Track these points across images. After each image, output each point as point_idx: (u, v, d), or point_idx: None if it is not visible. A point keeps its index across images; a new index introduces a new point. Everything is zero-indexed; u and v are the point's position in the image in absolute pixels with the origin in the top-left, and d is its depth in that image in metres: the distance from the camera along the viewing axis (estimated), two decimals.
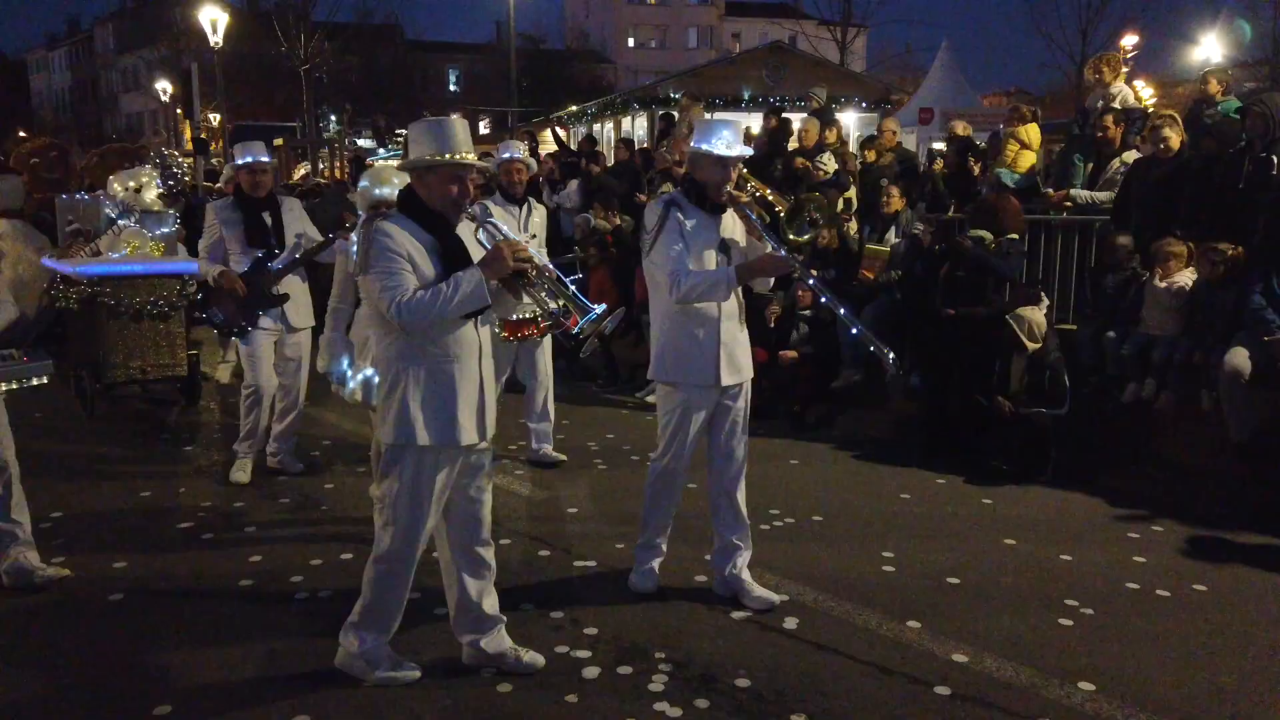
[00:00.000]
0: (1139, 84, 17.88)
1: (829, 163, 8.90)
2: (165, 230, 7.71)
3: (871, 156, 9.45)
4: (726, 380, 3.94)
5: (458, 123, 3.22)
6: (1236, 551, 4.73)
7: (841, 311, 4.27)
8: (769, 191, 4.14)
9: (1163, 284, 5.91)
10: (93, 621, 3.95)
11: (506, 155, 5.94)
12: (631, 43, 54.75)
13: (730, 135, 3.85)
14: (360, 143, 29.90)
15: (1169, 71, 30.60)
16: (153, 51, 44.15)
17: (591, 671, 3.51)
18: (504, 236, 3.25)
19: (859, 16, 31.58)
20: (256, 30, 31.60)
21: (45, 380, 3.65)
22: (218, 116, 26.40)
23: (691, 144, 3.93)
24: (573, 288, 3.26)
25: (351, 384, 4.54)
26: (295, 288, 5.68)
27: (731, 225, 3.99)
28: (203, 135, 24.40)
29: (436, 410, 3.16)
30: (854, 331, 4.72)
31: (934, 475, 5.92)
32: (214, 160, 22.14)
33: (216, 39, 20.98)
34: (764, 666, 3.55)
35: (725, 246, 3.96)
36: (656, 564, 4.21)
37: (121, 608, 4.07)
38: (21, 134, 37.03)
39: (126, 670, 3.54)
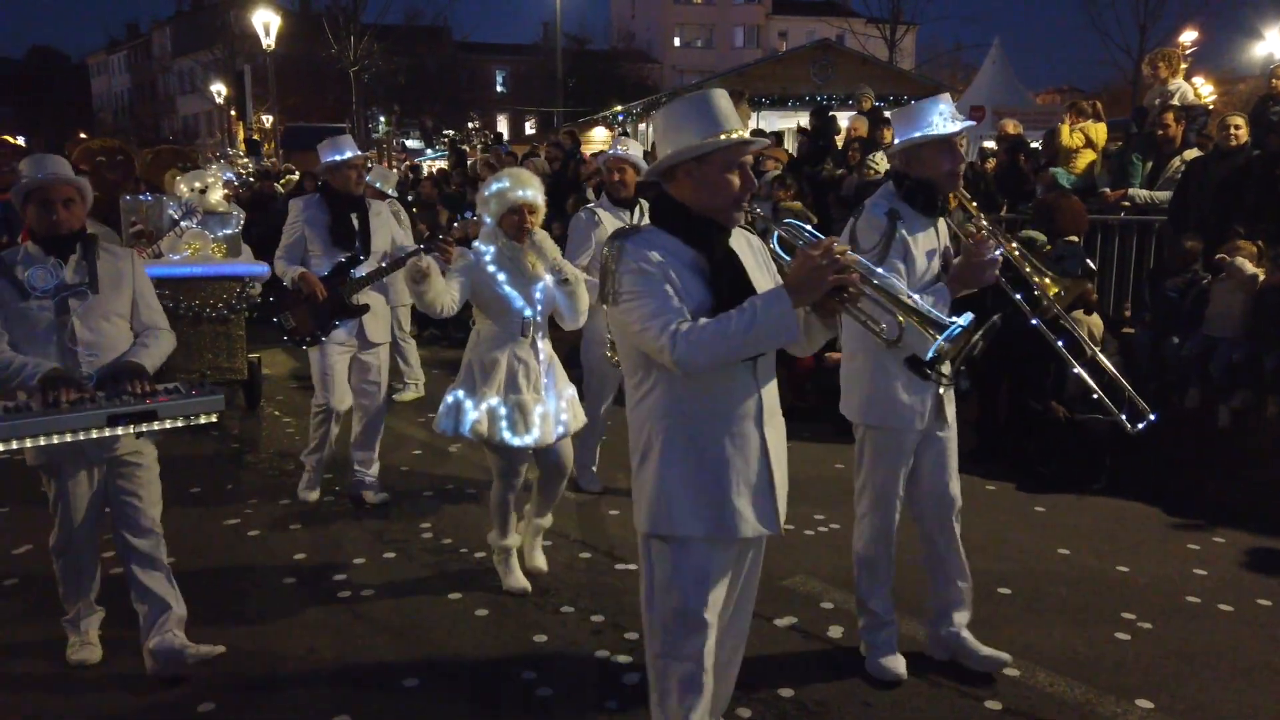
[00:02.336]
0: (1198, 81, 17.41)
1: (880, 162, 8.77)
2: (229, 231, 7.65)
3: None
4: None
5: (720, 93, 2.42)
6: None
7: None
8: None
9: (1235, 265, 5.65)
10: (138, 617, 3.99)
11: (613, 152, 5.36)
12: (678, 42, 54.68)
13: (946, 108, 3.22)
14: (408, 144, 30.25)
15: (1230, 68, 29.79)
16: (208, 54, 45.06)
17: (632, 677, 3.47)
18: (810, 238, 2.44)
19: (908, 14, 31.15)
20: (308, 32, 32.08)
21: (215, 418, 3.27)
22: (270, 118, 26.89)
23: (896, 139, 3.35)
24: (915, 297, 2.48)
25: (475, 414, 3.95)
26: (374, 299, 5.18)
27: (944, 227, 3.42)
28: (255, 136, 24.90)
29: (704, 489, 2.40)
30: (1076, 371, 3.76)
31: (984, 481, 5.78)
32: (268, 160, 22.54)
33: (269, 41, 21.39)
34: (808, 676, 3.48)
35: (945, 253, 3.37)
36: (894, 638, 3.53)
37: None
38: (83, 135, 38.06)
39: None
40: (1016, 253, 3.43)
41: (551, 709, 3.30)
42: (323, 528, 5.01)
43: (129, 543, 3.48)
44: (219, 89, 37.67)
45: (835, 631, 3.82)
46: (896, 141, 3.33)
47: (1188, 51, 24.20)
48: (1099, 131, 8.00)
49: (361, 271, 5.07)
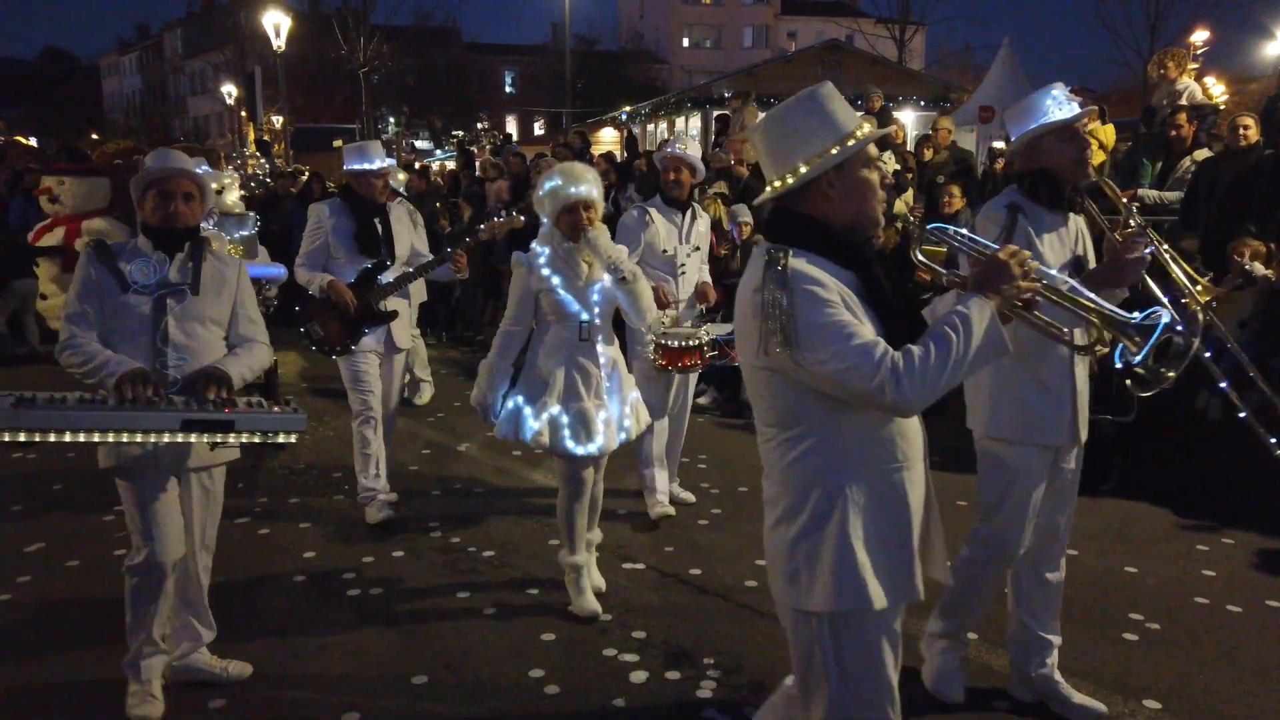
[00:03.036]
0: (1210, 80, 17.32)
1: (889, 162, 8.78)
2: (245, 232, 7.53)
3: (929, 155, 9.30)
4: (1082, 436, 3.12)
5: (829, 90, 2.18)
6: None
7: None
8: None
9: (1246, 267, 5.64)
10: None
11: (672, 150, 5.13)
12: (686, 43, 54.67)
13: (1060, 93, 3.02)
14: (417, 144, 30.30)
15: (1242, 67, 29.61)
16: (219, 55, 45.29)
17: (639, 676, 3.48)
18: (972, 242, 2.28)
19: (917, 14, 31.10)
20: (318, 34, 32.17)
21: (294, 439, 3.09)
22: (280, 119, 26.96)
23: (1012, 131, 3.13)
24: (1098, 299, 2.30)
25: (536, 424, 3.78)
26: (398, 304, 5.06)
27: (1080, 228, 3.16)
28: (266, 137, 24.97)
29: (893, 549, 2.11)
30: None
31: None
32: (277, 160, 22.60)
33: (279, 43, 21.44)
34: None
35: (1079, 262, 3.10)
36: (958, 660, 3.39)
37: None
38: (94, 136, 38.26)
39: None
40: (1167, 254, 3.18)
41: (559, 707, 3.31)
42: (332, 526, 5.03)
43: (206, 541, 3.44)
44: (229, 90, 37.81)
45: None
46: (1013, 139, 3.14)
47: (1199, 51, 24.10)
48: (1107, 133, 7.99)
49: (388, 277, 4.98)
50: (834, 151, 2.07)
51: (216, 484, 3.40)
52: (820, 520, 2.07)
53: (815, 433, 2.08)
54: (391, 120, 38.81)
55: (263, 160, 18.98)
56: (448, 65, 45.13)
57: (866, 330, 1.99)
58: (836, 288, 2.01)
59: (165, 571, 3.21)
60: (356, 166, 4.96)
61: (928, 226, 2.31)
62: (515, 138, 27.41)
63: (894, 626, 2.15)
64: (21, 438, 2.90)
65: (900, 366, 1.93)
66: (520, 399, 3.87)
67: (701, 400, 7.67)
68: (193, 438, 2.98)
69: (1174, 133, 7.13)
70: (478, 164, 14.04)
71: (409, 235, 5.20)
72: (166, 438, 2.95)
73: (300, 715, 3.29)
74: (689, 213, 5.12)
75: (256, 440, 3.02)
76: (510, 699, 3.36)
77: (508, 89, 52.57)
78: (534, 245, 3.86)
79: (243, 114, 31.58)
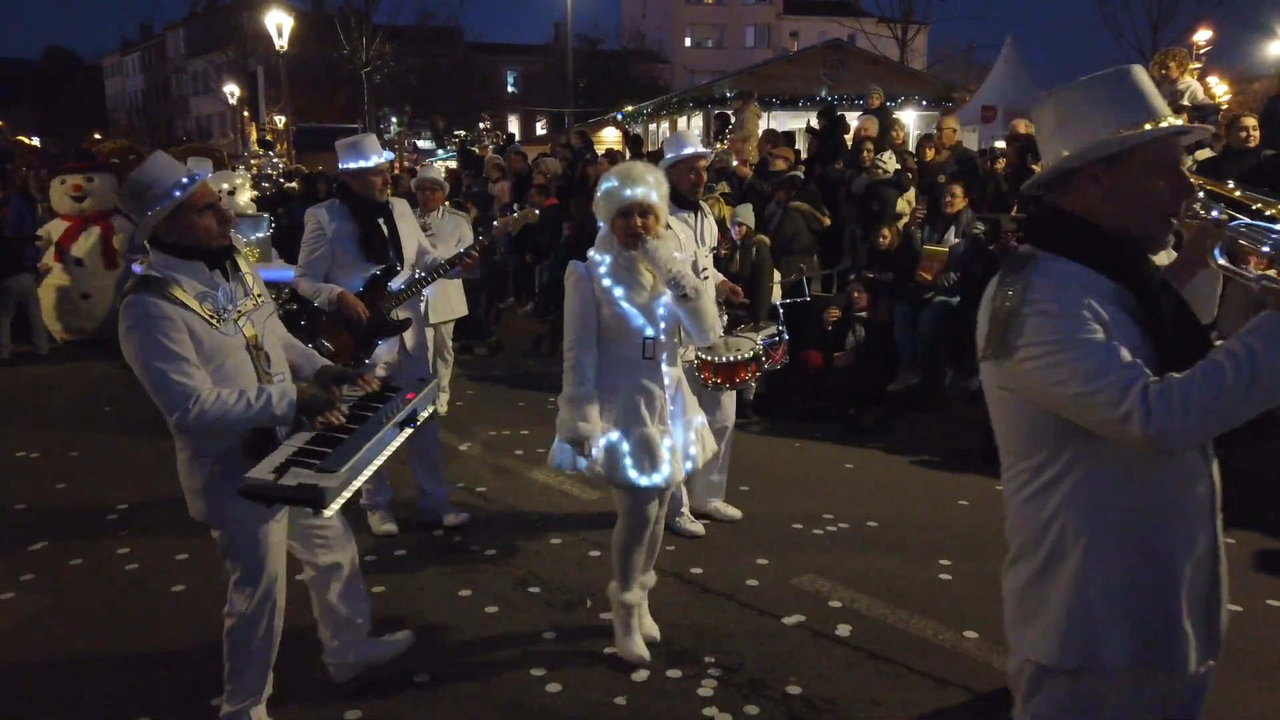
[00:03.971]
0: (1212, 80, 17.32)
1: (889, 161, 8.78)
2: (260, 234, 7.39)
3: (930, 155, 9.31)
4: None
5: (1139, 70, 1.86)
6: None
7: None
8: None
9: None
10: (155, 611, 4.04)
11: (690, 151, 4.66)
12: (689, 42, 54.67)
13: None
14: (419, 144, 30.35)
15: (1244, 66, 29.60)
16: (221, 55, 45.34)
17: (640, 675, 3.49)
18: None
19: (919, 14, 31.06)
20: (320, 33, 32.22)
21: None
22: (283, 118, 27.01)
23: None
24: None
25: (595, 451, 3.43)
26: (411, 311, 4.75)
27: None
28: (268, 137, 25.02)
29: (1143, 605, 1.78)
30: None
31: (994, 481, 5.76)
32: (278, 160, 22.63)
33: (282, 42, 21.48)
34: (816, 674, 3.50)
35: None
36: None
37: (183, 598, 4.17)
38: (96, 135, 38.31)
39: (188, 660, 3.62)
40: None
41: (560, 705, 3.32)
42: None
43: (327, 563, 3.28)
44: (232, 90, 37.88)
45: (843, 630, 3.83)
46: None
47: (1202, 50, 24.09)
48: None
49: (399, 284, 4.63)
50: (1105, 138, 1.77)
51: None
52: (1055, 561, 1.81)
53: (1060, 464, 1.81)
54: (394, 120, 38.85)
55: (274, 158, 19.02)
56: (450, 65, 45.18)
57: (1123, 354, 1.69)
58: (1091, 299, 1.73)
59: (276, 612, 3.09)
60: (352, 165, 4.56)
61: (1236, 224, 1.90)
62: (518, 138, 27.47)
63: (1136, 704, 1.80)
64: (350, 492, 2.69)
65: (1156, 395, 1.63)
66: (616, 434, 3.46)
67: None
68: (406, 434, 2.97)
69: None
70: (486, 163, 14.05)
71: (415, 235, 4.87)
72: (396, 443, 2.93)
73: (303, 714, 3.30)
74: (698, 212, 4.82)
75: (425, 415, 3.09)
76: (512, 697, 3.37)
77: (510, 89, 52.58)
78: (591, 253, 3.46)
79: (245, 114, 31.65)
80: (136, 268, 7.78)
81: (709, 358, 4.54)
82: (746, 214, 7.58)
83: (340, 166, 4.64)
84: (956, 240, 7.53)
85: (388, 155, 4.80)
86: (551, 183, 11.29)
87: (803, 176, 9.22)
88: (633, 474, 3.40)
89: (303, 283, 4.61)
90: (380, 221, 4.64)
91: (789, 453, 6.38)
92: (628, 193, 3.33)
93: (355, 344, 4.53)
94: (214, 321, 2.75)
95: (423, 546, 4.73)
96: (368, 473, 2.74)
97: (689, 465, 3.59)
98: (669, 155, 4.70)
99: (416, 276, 4.70)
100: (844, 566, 4.45)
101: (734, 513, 5.07)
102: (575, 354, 3.40)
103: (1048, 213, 1.90)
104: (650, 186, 3.35)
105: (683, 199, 4.64)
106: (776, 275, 7.30)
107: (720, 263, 7.22)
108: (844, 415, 7.05)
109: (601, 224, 3.46)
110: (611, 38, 51.46)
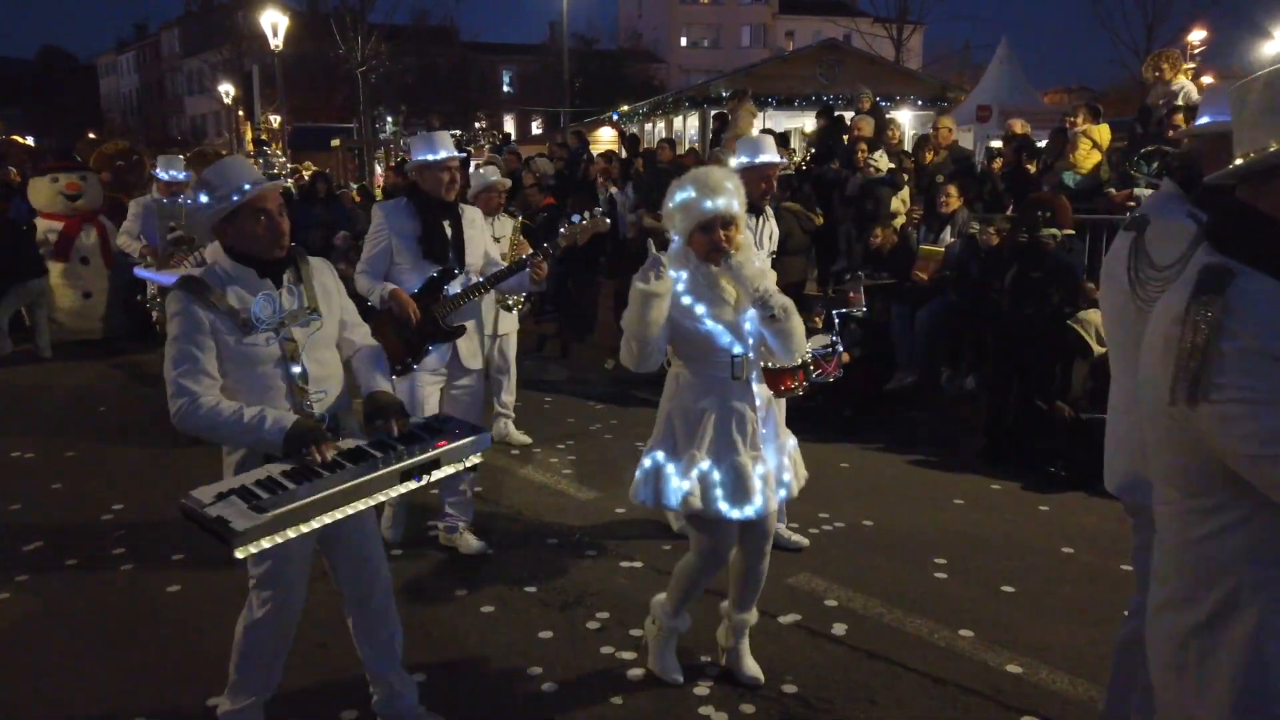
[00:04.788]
0: (1207, 80, 17.35)
1: (881, 160, 8.79)
2: None
3: (929, 157, 9.32)
4: None
5: None
6: None
7: None
8: None
9: None
10: (151, 611, 4.04)
11: (765, 159, 4.40)
12: (684, 42, 54.69)
13: None
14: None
15: (1239, 66, 29.64)
16: (216, 55, 45.27)
17: (636, 673, 3.49)
18: None
19: (915, 13, 31.14)
20: (315, 33, 32.18)
21: (480, 459, 2.81)
22: (278, 118, 26.96)
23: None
24: None
25: (684, 484, 3.14)
26: (471, 317, 4.51)
27: None
28: (263, 137, 24.98)
29: None
30: None
31: (989, 481, 5.79)
32: (283, 160, 22.58)
33: (277, 42, 21.43)
34: (812, 673, 3.50)
35: None
36: None
37: (178, 599, 4.17)
38: (91, 135, 38.18)
39: (182, 660, 3.62)
40: None
41: (556, 704, 3.32)
42: None
43: (363, 597, 3.07)
44: (227, 89, 37.81)
45: (839, 629, 3.83)
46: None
47: (1196, 50, 24.15)
48: (1102, 133, 8.01)
49: (457, 288, 4.41)
50: None
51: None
52: (1226, 618, 1.61)
53: (1239, 511, 1.58)
54: (389, 119, 38.81)
55: (280, 157, 19.00)
56: (446, 65, 45.11)
57: None
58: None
59: (294, 618, 2.99)
60: (420, 157, 4.36)
61: None
62: (514, 137, 27.44)
63: None
64: (272, 541, 2.45)
65: None
66: (660, 454, 3.21)
67: None
68: (410, 486, 2.65)
69: (1170, 133, 7.15)
70: (475, 164, 14.04)
71: (484, 241, 4.58)
72: (392, 494, 2.63)
73: (299, 713, 3.30)
74: (760, 215, 4.55)
75: (454, 470, 2.72)
76: (508, 696, 3.37)
77: (506, 88, 52.55)
78: (674, 271, 3.15)
79: (240, 114, 31.60)
80: (139, 271, 7.64)
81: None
82: None
83: (412, 159, 4.49)
84: (952, 240, 7.54)
85: (455, 152, 4.43)
86: (541, 182, 11.28)
87: (795, 176, 9.23)
88: (723, 506, 3.10)
89: (361, 279, 4.41)
90: (445, 223, 4.39)
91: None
92: (709, 204, 3.05)
93: (404, 348, 4.31)
94: (246, 331, 2.70)
95: (419, 546, 4.73)
96: (318, 522, 2.50)
97: (783, 493, 3.30)
98: (742, 159, 4.43)
99: (476, 282, 4.46)
100: (840, 566, 4.46)
101: (801, 540, 4.77)
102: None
103: (1241, 212, 1.62)
104: (731, 195, 3.09)
105: (750, 203, 4.34)
106: (773, 275, 7.30)
107: None
108: (840, 414, 7.06)
109: (675, 236, 3.17)
110: (607, 37, 51.49)
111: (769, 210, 4.68)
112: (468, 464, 2.76)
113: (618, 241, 9.95)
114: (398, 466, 2.60)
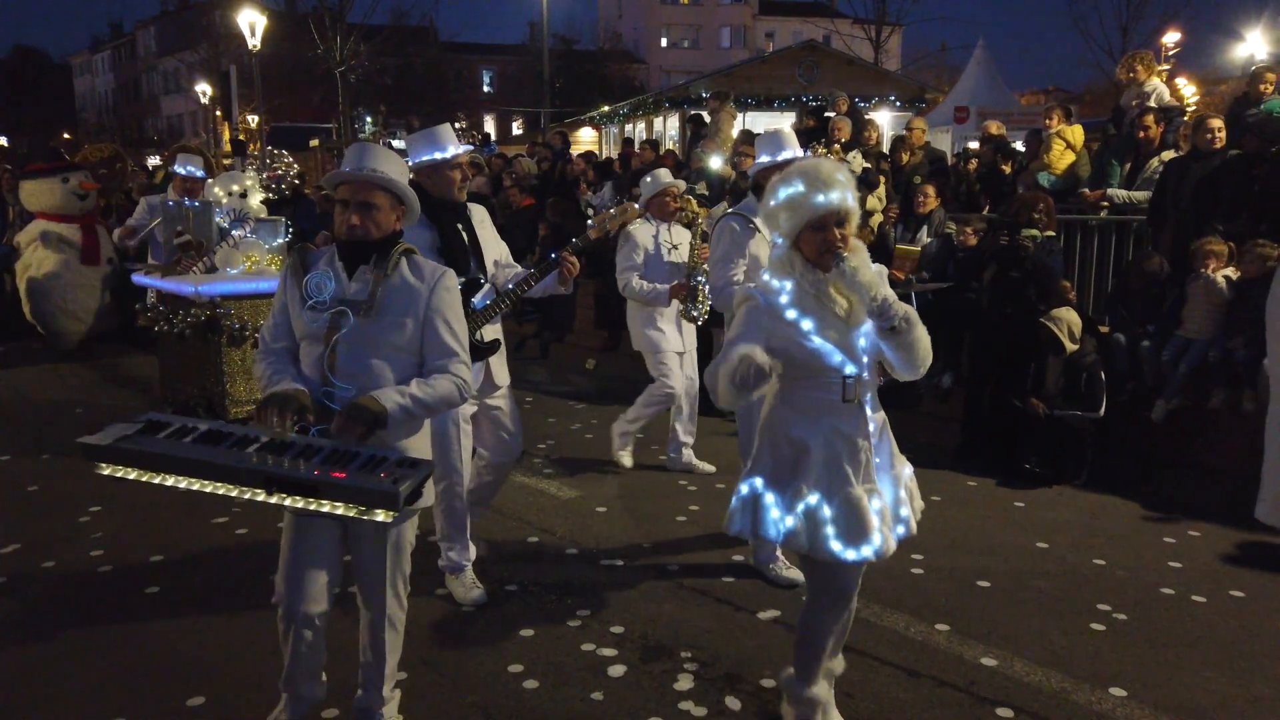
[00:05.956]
0: (1181, 82, 17.58)
1: (855, 160, 8.86)
2: (280, 240, 7.00)
3: (905, 158, 9.41)
4: None
5: None
6: (1276, 556, 4.64)
7: None
8: None
9: (1206, 279, 5.77)
10: (129, 613, 4.02)
11: (788, 155, 4.09)
12: (664, 43, 54.79)
13: None
14: (394, 144, 30.19)
15: (1212, 69, 30.06)
16: (193, 54, 44.90)
17: (617, 670, 3.52)
18: None
19: (893, 15, 31.40)
20: (294, 32, 32.01)
21: (390, 518, 2.56)
22: (256, 118, 26.80)
23: None
24: None
25: (788, 520, 2.81)
26: (496, 332, 4.06)
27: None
28: (241, 137, 24.80)
29: None
30: None
31: (965, 477, 5.86)
32: (251, 159, 22.41)
33: (255, 42, 21.30)
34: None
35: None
36: None
37: (157, 600, 4.15)
38: (67, 135, 37.79)
39: (161, 661, 3.61)
40: None
41: (538, 701, 3.34)
42: None
43: (374, 601, 2.99)
44: (204, 89, 37.51)
45: None
46: None
47: (1170, 53, 24.43)
48: (1076, 134, 8.11)
49: (483, 299, 3.94)
50: None
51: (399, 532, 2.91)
52: None
53: None
54: (369, 120, 38.64)
55: (289, 158, 18.83)
56: (425, 65, 44.96)
57: None
58: None
59: (310, 611, 2.90)
60: (426, 158, 3.85)
61: None
62: (494, 137, 27.41)
63: None
64: (119, 473, 2.60)
65: None
66: (759, 482, 2.87)
67: None
68: (274, 499, 2.51)
69: (1142, 134, 7.26)
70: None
71: (495, 244, 4.15)
72: (249, 495, 2.53)
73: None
74: None
75: (349, 513, 2.51)
76: (490, 694, 3.39)
77: (486, 89, 52.45)
78: (765, 276, 2.84)
79: (218, 113, 31.32)
80: (139, 278, 7.40)
81: None
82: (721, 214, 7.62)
83: (411, 162, 3.81)
84: (929, 240, 7.61)
85: (466, 146, 3.98)
86: (521, 182, 11.29)
87: None
88: (836, 546, 2.76)
89: None
90: (459, 227, 3.93)
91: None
92: (820, 199, 2.71)
93: None
94: (305, 304, 2.80)
95: None
96: (170, 479, 2.56)
97: (900, 530, 2.92)
98: (764, 158, 4.14)
99: (505, 290, 4.01)
100: None
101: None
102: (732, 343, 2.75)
103: None
104: (845, 189, 2.76)
105: None
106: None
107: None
108: None
109: (779, 239, 2.83)
110: (587, 37, 51.50)
111: None
112: (354, 513, 2.49)
113: (596, 241, 9.96)
114: (264, 468, 2.48)
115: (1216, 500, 5.34)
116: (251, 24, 20.99)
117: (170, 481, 2.58)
